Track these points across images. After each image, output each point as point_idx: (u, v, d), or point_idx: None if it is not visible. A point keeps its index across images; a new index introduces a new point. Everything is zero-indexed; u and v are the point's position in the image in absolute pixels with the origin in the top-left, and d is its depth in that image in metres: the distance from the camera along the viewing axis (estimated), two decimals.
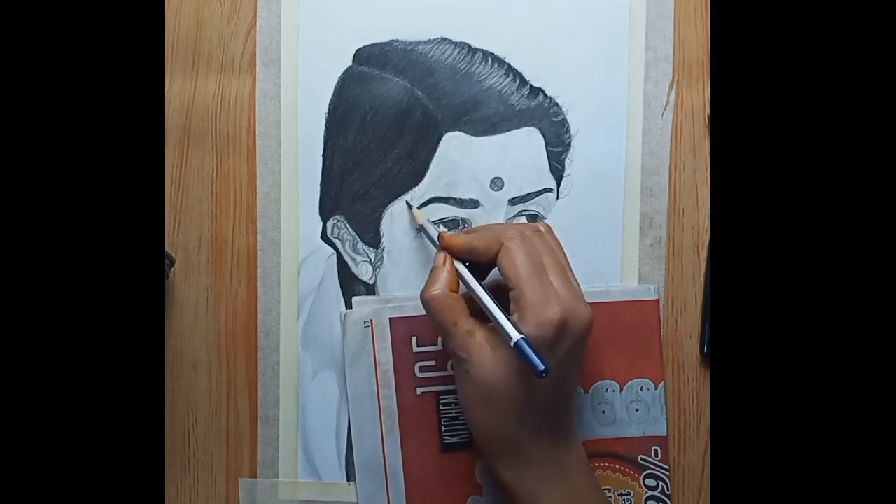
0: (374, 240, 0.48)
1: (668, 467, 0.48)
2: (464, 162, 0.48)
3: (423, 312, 0.47)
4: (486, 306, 0.41)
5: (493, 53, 0.48)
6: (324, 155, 0.49)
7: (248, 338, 0.49)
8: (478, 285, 0.42)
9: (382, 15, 0.48)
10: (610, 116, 0.48)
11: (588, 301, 0.41)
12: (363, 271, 0.49)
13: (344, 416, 0.49)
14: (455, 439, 0.48)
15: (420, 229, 0.47)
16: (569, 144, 0.48)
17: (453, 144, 0.48)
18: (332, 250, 0.49)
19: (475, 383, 0.40)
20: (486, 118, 0.48)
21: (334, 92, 0.48)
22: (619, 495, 0.47)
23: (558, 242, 0.44)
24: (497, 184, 0.48)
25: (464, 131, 0.48)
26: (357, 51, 0.48)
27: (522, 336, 0.38)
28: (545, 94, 0.48)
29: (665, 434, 0.48)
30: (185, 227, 0.49)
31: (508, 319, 0.40)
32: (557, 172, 0.48)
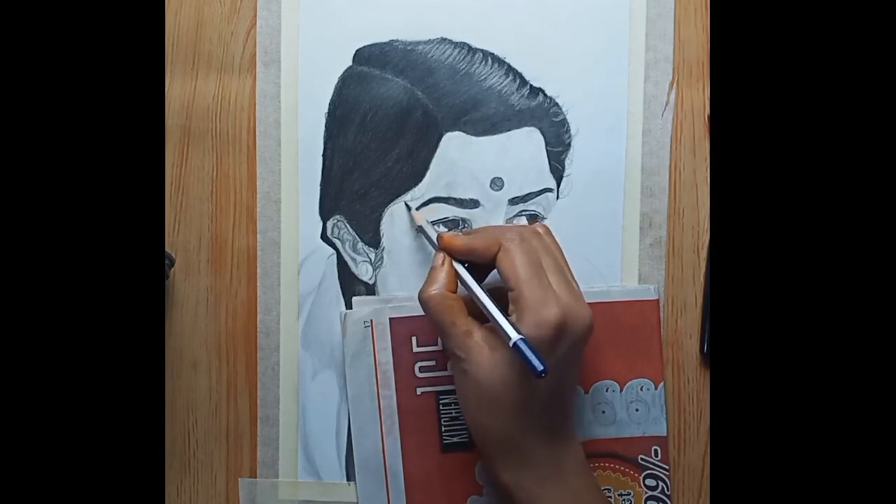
0: (374, 240, 0.48)
1: (668, 467, 0.48)
2: (464, 162, 0.48)
3: (424, 313, 0.47)
4: (484, 306, 0.41)
5: (493, 53, 0.48)
6: (324, 155, 0.49)
7: (248, 338, 0.49)
8: (477, 286, 0.42)
9: (382, 15, 0.48)
10: (610, 116, 0.48)
11: (588, 301, 0.41)
12: (363, 271, 0.49)
13: (344, 416, 0.49)
14: (455, 439, 0.48)
15: (419, 230, 0.47)
16: (569, 144, 0.48)
17: (453, 144, 0.48)
18: (332, 250, 0.49)
19: (473, 383, 0.40)
20: (486, 118, 0.48)
21: (334, 92, 0.48)
22: (619, 495, 0.47)
23: (557, 244, 0.44)
24: (497, 184, 0.48)
25: (464, 131, 0.48)
26: (357, 51, 0.48)
27: (521, 336, 0.38)
28: (545, 94, 0.48)
29: (665, 434, 0.48)
30: (185, 227, 0.49)
31: (507, 320, 0.40)
32: (557, 172, 0.48)
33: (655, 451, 0.47)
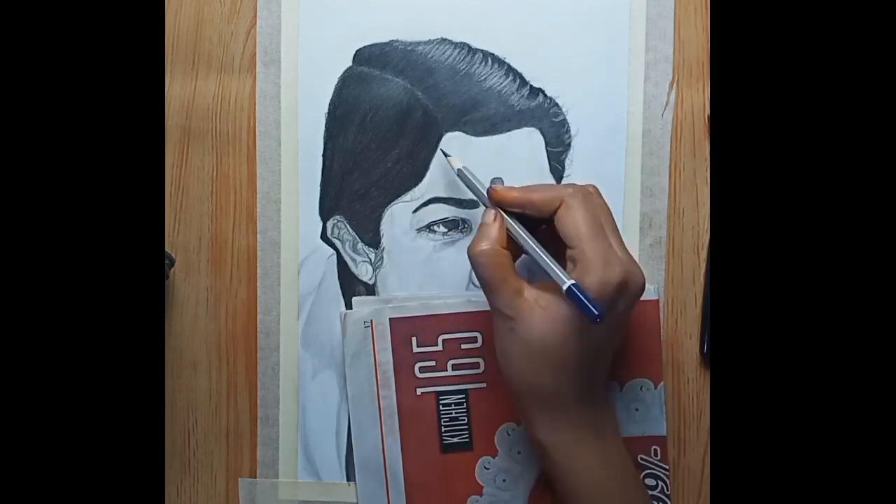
0: (373, 240, 0.48)
1: (667, 467, 0.48)
2: (464, 162, 0.48)
3: (424, 313, 0.47)
4: (539, 255, 0.41)
5: (493, 54, 0.48)
6: (324, 155, 0.49)
7: (248, 338, 0.49)
8: (531, 236, 0.42)
9: (382, 15, 0.48)
10: (610, 116, 0.48)
11: None
12: (363, 271, 0.49)
13: (344, 416, 0.49)
14: (455, 439, 0.48)
15: (466, 182, 0.45)
16: (569, 145, 0.48)
17: (453, 145, 0.48)
18: (332, 250, 0.49)
19: (522, 341, 0.40)
20: (486, 118, 0.48)
21: (334, 92, 0.48)
22: None
23: (607, 205, 0.43)
24: (497, 184, 0.48)
25: (464, 131, 0.48)
26: (357, 51, 0.48)
27: (574, 282, 0.38)
28: (545, 95, 0.48)
29: (665, 434, 0.48)
30: (185, 227, 0.49)
31: (560, 266, 0.40)
32: (557, 173, 0.48)
33: (655, 450, 0.47)
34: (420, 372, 0.48)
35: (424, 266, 0.48)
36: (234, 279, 0.49)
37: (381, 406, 0.48)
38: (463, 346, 0.47)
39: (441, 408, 0.48)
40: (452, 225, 0.48)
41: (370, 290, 0.49)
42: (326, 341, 0.49)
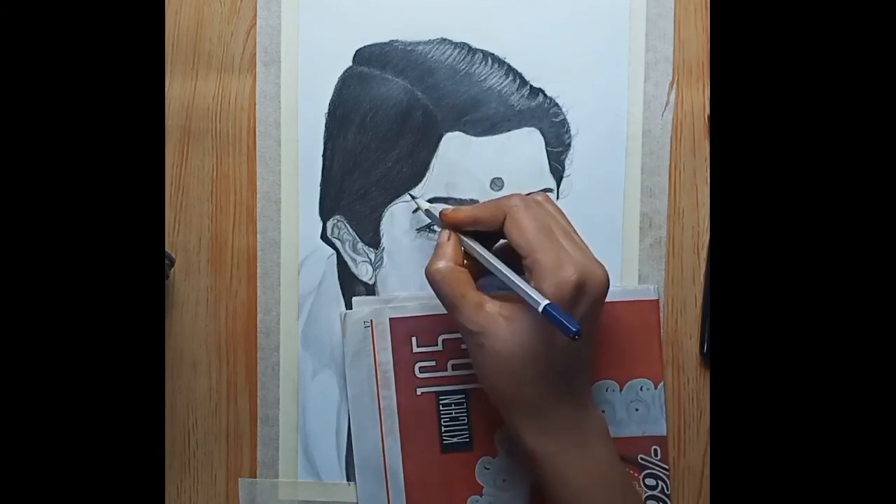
0: (373, 240, 0.49)
1: (667, 467, 0.48)
2: (464, 162, 0.48)
3: (424, 313, 0.47)
4: (505, 275, 0.40)
5: (493, 54, 0.48)
6: (324, 155, 0.49)
7: (248, 338, 0.49)
8: (492, 255, 0.42)
9: (382, 15, 0.48)
10: (610, 116, 0.48)
11: None
12: (363, 271, 0.49)
13: (344, 416, 0.49)
14: (455, 439, 0.48)
15: (427, 213, 0.47)
16: (569, 145, 0.48)
17: (453, 145, 0.48)
18: (332, 250, 0.49)
19: (492, 355, 0.40)
20: (486, 118, 0.48)
21: (334, 92, 0.48)
22: None
23: (560, 210, 0.43)
24: (497, 184, 0.48)
25: (464, 131, 0.48)
26: (357, 51, 0.48)
27: (548, 302, 0.38)
28: (545, 95, 0.48)
29: (665, 434, 0.48)
30: (185, 227, 0.49)
31: (530, 285, 0.39)
32: (557, 173, 0.48)
33: (655, 450, 0.47)
34: (420, 372, 0.48)
35: (424, 266, 0.48)
36: (234, 279, 0.49)
37: (381, 406, 0.48)
38: (463, 346, 0.47)
39: (441, 408, 0.48)
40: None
41: (370, 290, 0.49)
42: (326, 341, 0.49)
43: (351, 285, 0.49)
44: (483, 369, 0.41)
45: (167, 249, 0.49)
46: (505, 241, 0.43)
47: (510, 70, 0.48)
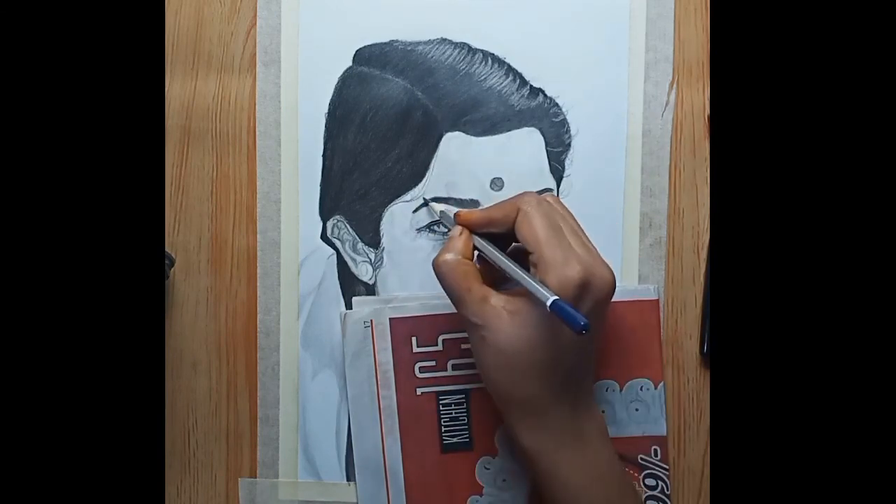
0: (373, 240, 0.49)
1: (667, 467, 0.48)
2: (464, 162, 0.48)
3: (424, 313, 0.47)
4: (513, 269, 0.41)
5: (493, 54, 0.48)
6: (324, 155, 0.49)
7: (248, 338, 0.49)
8: (500, 253, 0.42)
9: (382, 15, 0.48)
10: (610, 116, 0.48)
11: None
12: (363, 271, 0.49)
13: (344, 416, 0.49)
14: (455, 439, 0.48)
15: (442, 215, 0.47)
16: (569, 145, 0.48)
17: (453, 145, 0.48)
18: (332, 250, 0.49)
19: (494, 349, 0.40)
20: (486, 118, 0.48)
21: (334, 92, 0.48)
22: None
23: (569, 211, 0.44)
24: (497, 184, 0.48)
25: (464, 131, 0.48)
26: (357, 51, 0.48)
27: (556, 297, 0.38)
28: (545, 95, 0.48)
29: (665, 434, 0.48)
30: (185, 227, 0.49)
31: (539, 280, 0.39)
32: (557, 173, 0.48)
33: (655, 450, 0.48)
34: (420, 372, 0.48)
35: (424, 266, 0.48)
36: (234, 279, 0.49)
37: (381, 406, 0.48)
38: (463, 346, 0.47)
39: (441, 408, 0.48)
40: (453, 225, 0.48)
41: (370, 290, 0.49)
42: (326, 341, 0.49)
43: (351, 285, 0.49)
44: (484, 363, 0.41)
45: (167, 249, 0.49)
46: (516, 244, 0.43)
47: (510, 70, 0.48)
